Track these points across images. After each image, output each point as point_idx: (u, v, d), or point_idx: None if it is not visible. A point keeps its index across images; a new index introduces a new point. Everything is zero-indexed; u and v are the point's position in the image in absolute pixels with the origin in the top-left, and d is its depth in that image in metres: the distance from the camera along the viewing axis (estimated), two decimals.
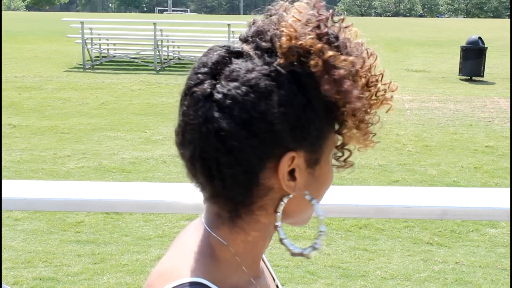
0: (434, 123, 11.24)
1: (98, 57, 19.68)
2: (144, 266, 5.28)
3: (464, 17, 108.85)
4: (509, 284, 5.03)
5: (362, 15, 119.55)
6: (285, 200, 0.98)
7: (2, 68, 17.28)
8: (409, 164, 8.39)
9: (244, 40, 0.98)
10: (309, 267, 5.27)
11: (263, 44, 0.95)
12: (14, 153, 8.67)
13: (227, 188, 0.94)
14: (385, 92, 1.00)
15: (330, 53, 0.92)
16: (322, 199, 1.07)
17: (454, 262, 5.41)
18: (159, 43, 18.90)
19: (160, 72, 17.79)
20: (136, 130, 10.35)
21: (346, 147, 1.03)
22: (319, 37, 0.93)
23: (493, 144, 9.59)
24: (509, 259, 5.47)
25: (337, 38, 0.95)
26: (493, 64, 19.38)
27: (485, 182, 7.67)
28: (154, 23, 18.42)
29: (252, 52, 0.94)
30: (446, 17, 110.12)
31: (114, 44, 20.79)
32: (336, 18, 0.97)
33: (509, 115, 12.02)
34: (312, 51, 0.92)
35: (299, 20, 0.94)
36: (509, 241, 5.81)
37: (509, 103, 13.21)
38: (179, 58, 19.77)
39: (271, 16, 0.99)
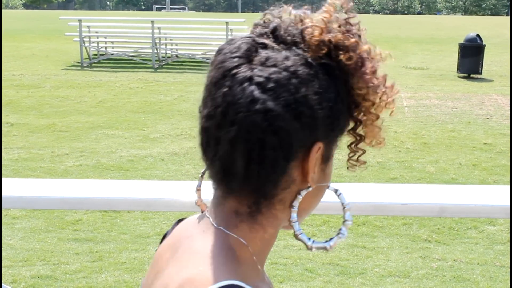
0: (432, 120, 11.25)
1: (96, 55, 19.66)
2: (142, 264, 5.28)
3: (462, 15, 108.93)
4: (508, 281, 5.04)
5: (360, 12, 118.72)
6: (303, 193, 0.99)
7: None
8: (407, 162, 8.40)
9: (261, 35, 0.99)
10: (308, 265, 5.27)
11: (288, 38, 0.97)
12: (12, 152, 8.66)
13: (262, 174, 0.93)
14: (388, 95, 1.03)
15: (365, 47, 0.98)
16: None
17: (453, 260, 5.42)
18: (157, 41, 18.87)
19: (158, 70, 17.77)
20: (134, 128, 10.34)
21: (359, 145, 1.07)
22: (348, 33, 0.98)
23: (491, 142, 9.59)
24: (508, 256, 5.47)
25: (360, 36, 0.99)
26: (491, 61, 19.39)
27: (483, 180, 7.67)
28: (152, 21, 18.39)
29: (275, 46, 0.96)
30: (444, 15, 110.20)
31: (112, 42, 20.79)
32: (353, 21, 1.01)
33: (507, 112, 12.03)
34: (343, 46, 0.96)
35: (330, 17, 0.98)
36: (508, 238, 5.82)
37: (507, 101, 13.23)
38: (177, 56, 19.75)
39: (271, 17, 1.01)
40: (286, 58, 0.93)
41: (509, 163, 8.36)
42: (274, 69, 0.92)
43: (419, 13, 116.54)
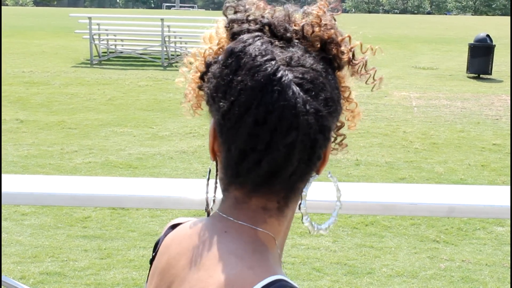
0: (442, 120, 11.21)
1: (105, 52, 19.71)
2: None
3: (472, 15, 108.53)
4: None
5: (369, 12, 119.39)
6: (312, 180, 1.01)
7: (10, 63, 17.33)
8: (416, 162, 8.38)
9: (260, 31, 1.01)
10: (315, 264, 5.27)
11: (287, 34, 1.00)
12: (22, 148, 8.70)
13: (307, 172, 0.98)
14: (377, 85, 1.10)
15: (356, 42, 1.04)
16: (328, 196, 1.11)
17: (461, 260, 5.40)
18: (166, 39, 18.90)
19: (167, 68, 17.79)
20: (143, 126, 10.36)
21: (340, 130, 1.10)
22: (334, 29, 1.02)
23: (500, 142, 9.56)
24: None
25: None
26: (501, 62, 19.31)
27: (492, 180, 7.65)
28: (162, 19, 18.42)
29: (277, 42, 0.99)
30: (454, 15, 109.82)
31: (122, 40, 20.82)
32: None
33: None
34: (336, 41, 1.01)
35: (324, 13, 1.02)
36: None
37: None
38: (186, 54, 19.74)
39: (245, 12, 1.03)
40: (303, 56, 0.97)
41: None
42: (302, 68, 0.95)
43: (429, 13, 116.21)
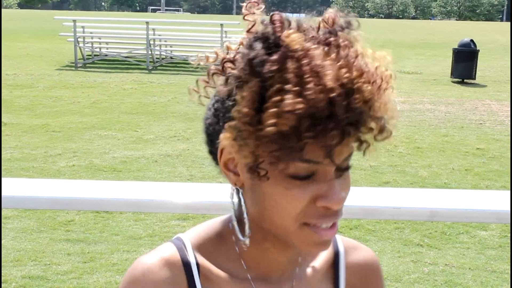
0: (426, 125, 11.27)
1: (90, 55, 19.63)
2: None
3: (456, 20, 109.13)
4: (499, 286, 5.05)
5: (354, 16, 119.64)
6: (241, 191, 1.01)
7: None
8: (400, 166, 8.41)
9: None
10: None
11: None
12: (5, 151, 8.64)
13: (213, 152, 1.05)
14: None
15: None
16: None
17: (444, 264, 5.43)
18: (151, 42, 18.86)
19: (152, 71, 17.76)
20: (128, 129, 10.33)
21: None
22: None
23: (484, 147, 9.62)
24: (499, 261, 5.48)
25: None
26: (485, 66, 19.44)
27: (475, 184, 7.69)
28: (147, 22, 18.37)
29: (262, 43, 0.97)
30: (439, 20, 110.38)
31: (107, 43, 20.77)
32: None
33: (500, 117, 12.07)
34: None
35: (313, 27, 0.99)
36: (499, 243, 5.83)
37: (500, 106, 13.28)
38: (171, 58, 19.74)
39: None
40: (246, 52, 0.92)
41: (501, 168, 8.39)
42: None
43: (413, 18, 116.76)
